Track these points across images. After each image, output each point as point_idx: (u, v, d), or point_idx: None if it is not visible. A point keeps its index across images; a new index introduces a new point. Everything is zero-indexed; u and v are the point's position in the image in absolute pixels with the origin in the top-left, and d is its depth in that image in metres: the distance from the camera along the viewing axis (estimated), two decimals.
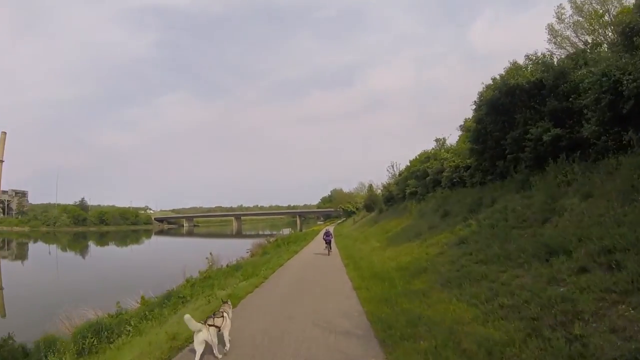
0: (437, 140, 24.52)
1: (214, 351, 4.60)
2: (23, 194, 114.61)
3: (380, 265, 11.69)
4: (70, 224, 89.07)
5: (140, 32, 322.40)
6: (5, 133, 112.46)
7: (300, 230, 72.53)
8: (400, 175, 32.61)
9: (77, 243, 61.77)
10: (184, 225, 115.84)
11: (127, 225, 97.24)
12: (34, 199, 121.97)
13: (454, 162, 17.25)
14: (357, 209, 70.61)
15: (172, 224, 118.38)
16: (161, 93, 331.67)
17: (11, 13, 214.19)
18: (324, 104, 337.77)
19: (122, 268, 28.56)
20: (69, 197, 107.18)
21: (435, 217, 15.58)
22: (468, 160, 15.72)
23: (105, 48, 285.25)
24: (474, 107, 13.74)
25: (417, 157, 27.27)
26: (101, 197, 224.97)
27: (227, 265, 16.29)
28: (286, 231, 48.44)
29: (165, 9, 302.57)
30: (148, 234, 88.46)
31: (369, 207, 48.19)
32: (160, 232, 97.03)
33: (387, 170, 38.79)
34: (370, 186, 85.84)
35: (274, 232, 61.29)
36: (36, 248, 56.65)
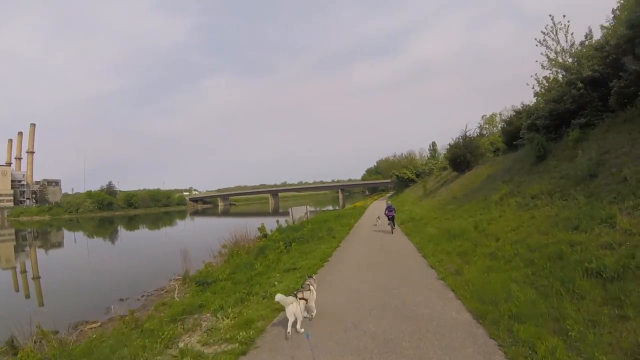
0: None
1: (297, 326, 4.80)
2: (56, 183, 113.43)
3: None
4: (95, 210, 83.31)
5: (177, 18, 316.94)
6: (34, 125, 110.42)
7: (343, 206, 59.49)
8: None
9: (103, 229, 54.14)
10: (219, 204, 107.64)
11: (157, 208, 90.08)
12: (75, 189, 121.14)
13: None
14: (417, 175, 53.59)
15: (207, 204, 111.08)
16: (204, 76, 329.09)
17: (49, 13, 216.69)
18: (368, 76, 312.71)
19: None
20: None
21: None
22: None
23: (144, 38, 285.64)
24: None
25: None
26: (146, 183, 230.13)
27: None
28: (298, 212, 26.00)
29: None
30: (182, 215, 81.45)
31: (457, 165, 30.49)
32: (196, 213, 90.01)
33: (543, 41, 15.27)
34: (434, 143, 72.20)
35: (317, 209, 47.61)
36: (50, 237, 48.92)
